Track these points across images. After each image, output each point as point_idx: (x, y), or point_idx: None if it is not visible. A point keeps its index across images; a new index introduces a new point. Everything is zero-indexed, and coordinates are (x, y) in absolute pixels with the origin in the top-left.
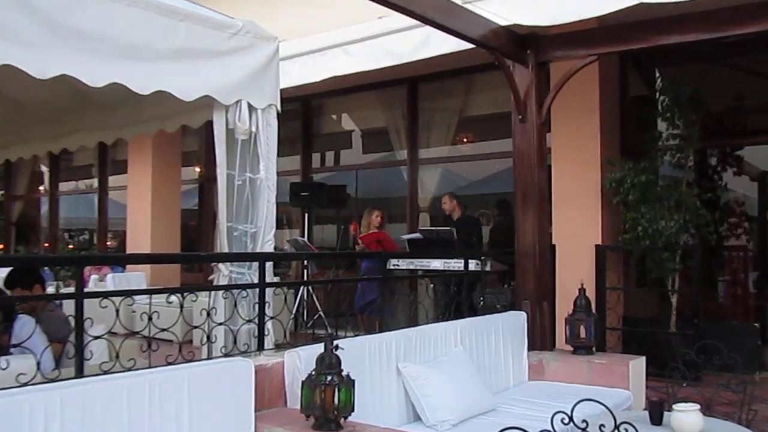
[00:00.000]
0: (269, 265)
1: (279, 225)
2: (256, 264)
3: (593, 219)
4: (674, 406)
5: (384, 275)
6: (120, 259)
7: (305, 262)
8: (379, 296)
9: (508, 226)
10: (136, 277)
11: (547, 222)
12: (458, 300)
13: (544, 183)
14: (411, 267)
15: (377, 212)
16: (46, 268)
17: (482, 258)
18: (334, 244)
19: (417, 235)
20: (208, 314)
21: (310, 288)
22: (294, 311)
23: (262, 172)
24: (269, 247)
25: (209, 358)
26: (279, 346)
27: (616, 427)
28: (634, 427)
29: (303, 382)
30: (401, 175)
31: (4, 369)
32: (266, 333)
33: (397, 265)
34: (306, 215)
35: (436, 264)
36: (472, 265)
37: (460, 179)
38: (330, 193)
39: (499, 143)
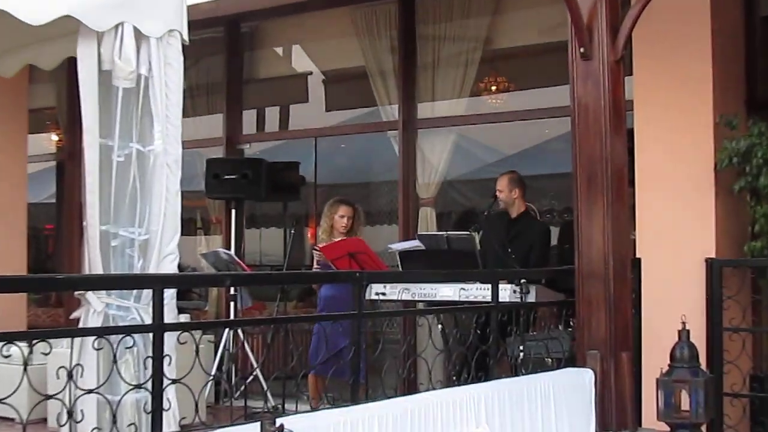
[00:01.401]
0: (170, 294)
1: (188, 229)
2: (148, 293)
3: (702, 216)
4: None
5: (360, 310)
6: None
7: (232, 289)
8: (352, 345)
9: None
10: None
11: (628, 222)
12: (483, 350)
13: (621, 159)
14: (405, 296)
15: (345, 208)
16: None
17: (521, 282)
18: (281, 259)
19: (414, 243)
20: (70, 376)
21: (240, 332)
22: (214, 370)
23: (158, 141)
24: (170, 265)
25: None
26: (188, 429)
27: None
28: None
29: None
30: (389, 145)
31: None
32: (166, 407)
33: (383, 294)
34: (233, 213)
35: (447, 291)
36: (506, 292)
37: (485, 152)
38: (273, 176)
39: (548, 94)
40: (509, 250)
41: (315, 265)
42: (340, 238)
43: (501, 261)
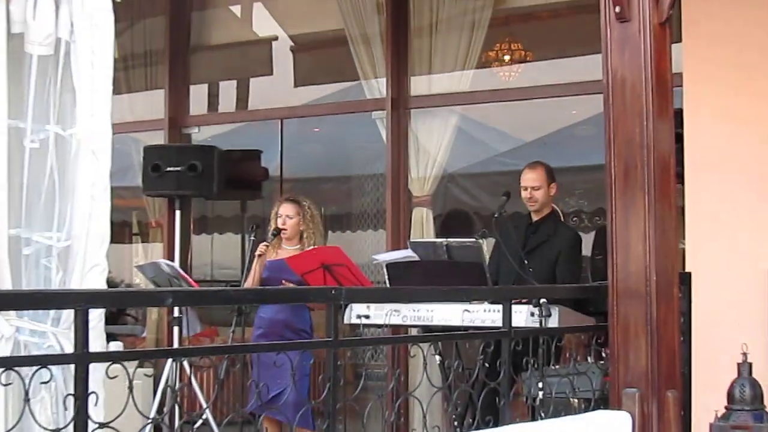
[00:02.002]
0: (97, 316)
1: (121, 235)
2: (70, 314)
3: None
4: None
5: (335, 336)
6: None
7: (176, 310)
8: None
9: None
10: None
11: (675, 227)
12: (492, 388)
13: (666, 147)
14: (394, 320)
15: (286, 206)
16: None
17: (541, 302)
18: (238, 273)
19: (406, 253)
20: None
21: (185, 364)
22: (153, 412)
23: (83, 123)
24: (98, 279)
25: None
26: None
27: None
28: None
29: None
30: (374, 130)
31: None
32: None
33: (366, 317)
34: (177, 214)
35: (447, 314)
36: (522, 315)
37: (496, 139)
38: (228, 168)
39: (575, 65)
40: (525, 261)
41: (254, 268)
42: (290, 247)
43: (516, 276)
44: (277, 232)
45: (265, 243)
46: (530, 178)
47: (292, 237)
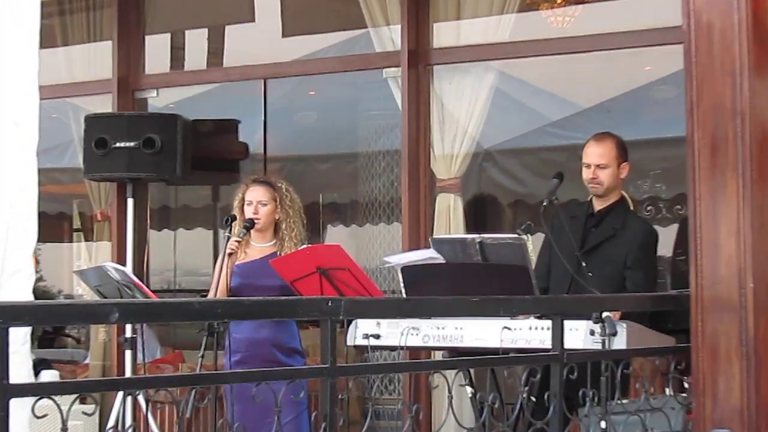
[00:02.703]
0: (22, 336)
1: (55, 230)
2: None
3: None
4: None
5: (333, 362)
6: None
7: (128, 329)
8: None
9: None
10: None
11: None
12: (539, 429)
13: (767, 114)
14: (412, 340)
15: (255, 189)
16: None
17: (603, 317)
18: (209, 280)
19: (427, 254)
20: None
21: (140, 399)
22: None
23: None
24: (21, 287)
25: None
26: None
27: None
28: None
29: None
30: (386, 93)
31: None
32: None
33: (376, 336)
34: (130, 204)
35: (480, 332)
36: (579, 333)
37: (545, 104)
38: (196, 144)
39: (647, 8)
40: (583, 264)
41: (222, 272)
42: (262, 244)
43: (570, 282)
44: (251, 224)
45: (236, 239)
46: (596, 154)
47: (265, 229)
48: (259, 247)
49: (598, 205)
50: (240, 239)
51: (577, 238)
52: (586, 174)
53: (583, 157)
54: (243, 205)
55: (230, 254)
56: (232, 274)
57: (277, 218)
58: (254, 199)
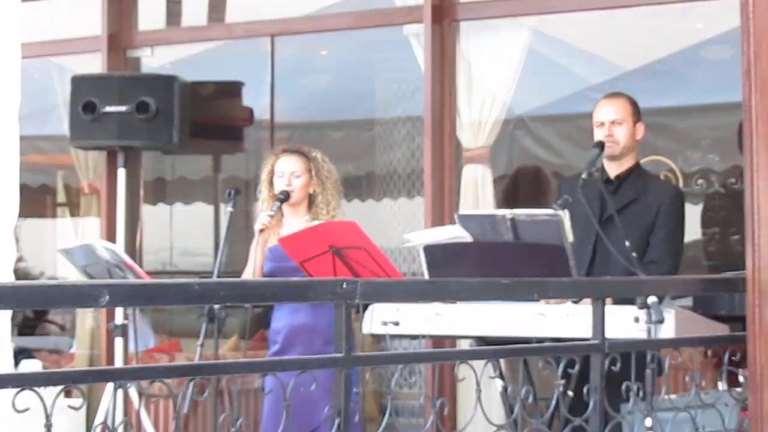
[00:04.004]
0: (2, 323)
1: (38, 205)
2: None
3: None
4: None
5: (349, 351)
6: None
7: (118, 313)
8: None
9: None
10: None
11: None
12: (578, 428)
13: None
14: (435, 328)
15: (287, 159)
16: None
17: (649, 303)
18: (210, 260)
19: (452, 232)
20: None
21: (132, 392)
22: None
23: None
24: (1, 268)
25: None
26: None
27: None
28: None
29: None
30: (407, 51)
31: None
32: None
33: (395, 323)
34: (121, 175)
35: (511, 319)
36: (621, 320)
37: (586, 65)
38: (195, 109)
39: None
40: (628, 244)
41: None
42: (297, 220)
43: (594, 256)
44: (285, 196)
45: (268, 213)
46: (609, 111)
47: (298, 204)
48: (291, 224)
49: (614, 170)
50: (272, 213)
51: (594, 206)
52: (599, 133)
53: (595, 116)
54: (272, 178)
55: (261, 231)
56: (264, 257)
57: (311, 191)
58: (286, 171)
